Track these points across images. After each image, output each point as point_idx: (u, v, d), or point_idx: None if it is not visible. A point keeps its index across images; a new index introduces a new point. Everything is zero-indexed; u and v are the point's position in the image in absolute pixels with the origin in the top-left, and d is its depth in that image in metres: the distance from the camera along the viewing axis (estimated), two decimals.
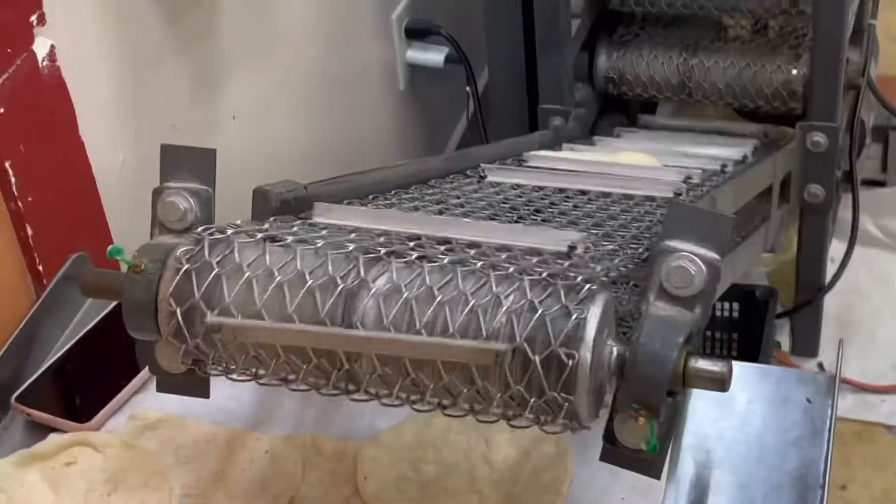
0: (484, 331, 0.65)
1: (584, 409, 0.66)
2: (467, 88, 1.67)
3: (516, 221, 0.87)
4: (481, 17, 1.55)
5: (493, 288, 0.67)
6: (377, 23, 1.62)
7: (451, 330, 0.65)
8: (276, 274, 0.67)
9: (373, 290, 0.66)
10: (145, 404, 0.92)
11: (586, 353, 0.64)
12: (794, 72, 1.50)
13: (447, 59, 1.69)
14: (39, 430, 0.90)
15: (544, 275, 0.67)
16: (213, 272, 0.68)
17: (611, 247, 0.81)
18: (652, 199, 0.97)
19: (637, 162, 1.20)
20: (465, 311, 0.65)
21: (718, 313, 1.54)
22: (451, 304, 0.66)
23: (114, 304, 0.99)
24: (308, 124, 1.45)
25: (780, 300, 1.69)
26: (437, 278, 0.67)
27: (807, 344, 1.68)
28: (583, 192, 0.99)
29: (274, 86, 1.34)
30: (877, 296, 1.76)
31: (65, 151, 0.97)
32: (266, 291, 0.67)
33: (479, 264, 0.68)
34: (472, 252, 0.72)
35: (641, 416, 0.66)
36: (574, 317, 0.64)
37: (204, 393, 0.78)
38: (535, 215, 0.89)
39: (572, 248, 0.75)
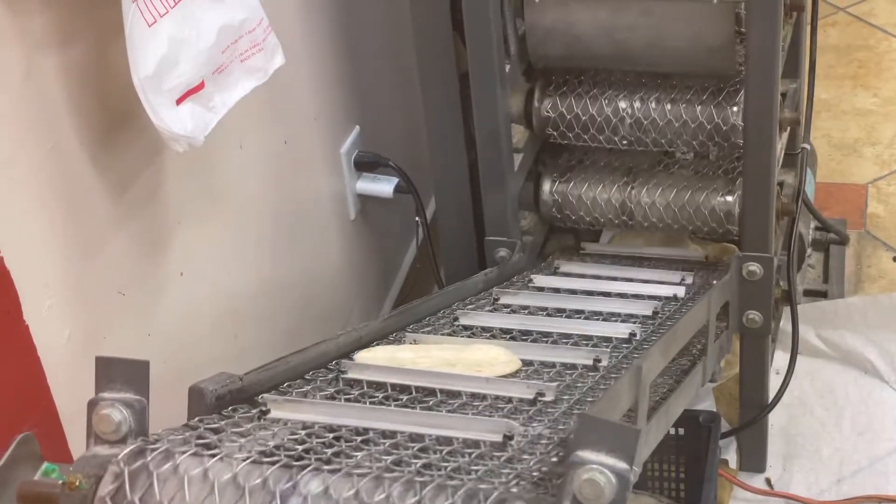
0: None
1: None
2: (417, 219, 1.71)
3: None
4: (428, 149, 1.60)
5: None
6: (326, 157, 1.66)
7: None
8: None
9: None
10: None
11: None
12: (730, 200, 1.55)
13: (396, 189, 1.73)
14: None
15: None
16: None
17: None
18: (476, 444, 0.84)
19: (488, 361, 1.06)
20: None
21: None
22: None
23: None
24: (259, 265, 1.48)
25: (727, 415, 1.73)
26: None
27: (754, 460, 1.71)
28: (389, 435, 0.86)
29: (222, 237, 1.38)
30: (821, 408, 1.80)
31: (8, 338, 1.00)
32: None
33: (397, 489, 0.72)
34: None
35: None
36: None
37: None
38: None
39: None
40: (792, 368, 1.63)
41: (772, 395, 1.66)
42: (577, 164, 1.66)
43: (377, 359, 1.04)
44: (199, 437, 0.80)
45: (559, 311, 1.28)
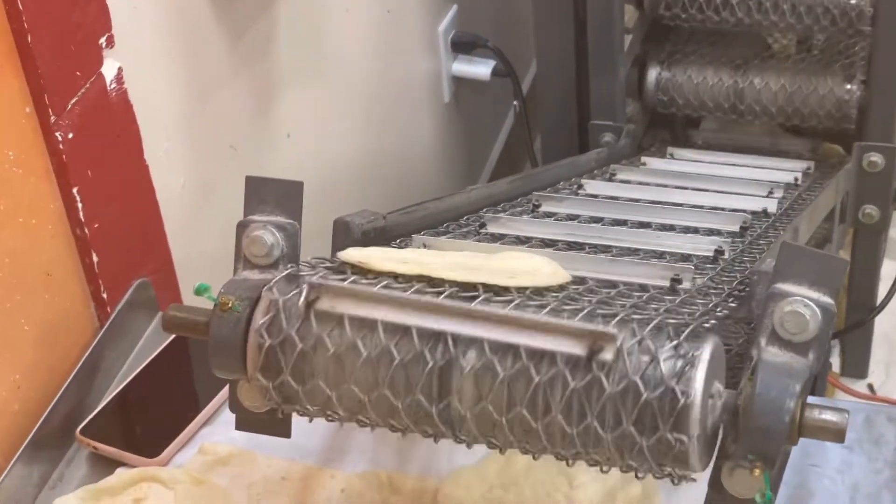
0: None
1: (696, 453, 0.64)
2: (515, 103, 1.65)
3: None
4: (528, 31, 1.53)
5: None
6: (424, 36, 1.60)
7: None
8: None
9: (466, 368, 0.65)
10: (213, 438, 0.90)
11: (698, 392, 0.62)
12: (849, 91, 1.48)
13: (494, 72, 1.67)
14: (105, 464, 0.88)
15: (653, 314, 0.66)
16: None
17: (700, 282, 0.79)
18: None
19: (526, 270, 0.74)
20: None
21: None
22: None
23: None
24: (356, 138, 1.43)
25: None
26: None
27: (857, 365, 1.66)
28: None
29: (325, 102, 1.32)
30: None
31: (130, 176, 0.95)
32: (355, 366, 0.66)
33: (587, 306, 0.66)
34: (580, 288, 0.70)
35: (756, 467, 0.64)
36: (688, 354, 0.63)
37: (285, 432, 0.76)
38: None
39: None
40: None
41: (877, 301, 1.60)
42: (681, 54, 1.60)
43: (371, 258, 0.73)
44: (354, 268, 0.73)
45: (618, 223, 0.98)
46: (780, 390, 0.63)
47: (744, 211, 1.06)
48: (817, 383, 1.40)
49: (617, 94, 1.50)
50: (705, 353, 0.64)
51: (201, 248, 1.06)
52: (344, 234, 0.80)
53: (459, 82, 1.69)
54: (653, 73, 1.57)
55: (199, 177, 1.06)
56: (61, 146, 0.86)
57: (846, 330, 1.61)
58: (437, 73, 1.64)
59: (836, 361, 1.66)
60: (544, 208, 1.02)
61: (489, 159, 1.89)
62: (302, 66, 1.24)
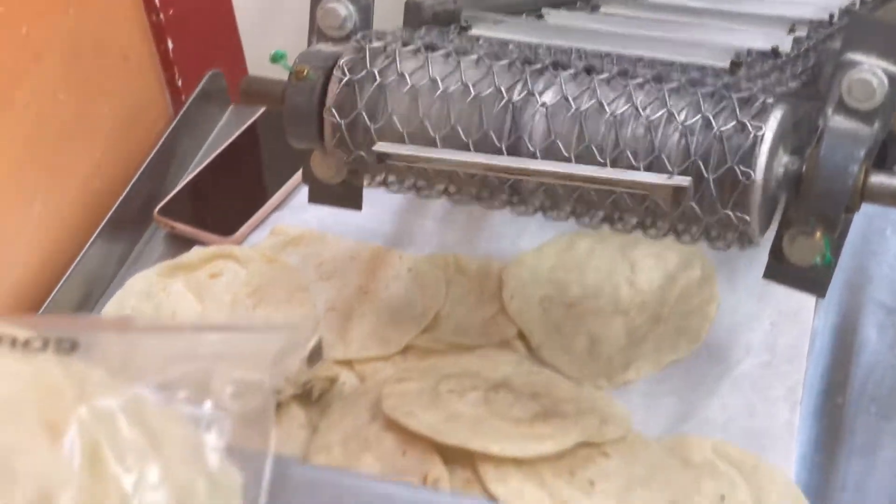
0: (656, 148, 0.64)
1: (757, 226, 0.65)
2: None
3: None
4: None
5: (667, 102, 0.65)
6: None
7: (621, 147, 0.64)
8: (440, 85, 0.66)
9: (539, 104, 0.65)
10: (284, 221, 0.93)
11: (761, 171, 0.63)
12: None
13: None
14: (181, 244, 0.91)
15: (718, 86, 0.66)
16: (376, 82, 0.67)
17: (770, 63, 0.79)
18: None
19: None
20: (638, 127, 0.64)
21: None
22: (622, 120, 0.65)
23: (249, 122, 0.99)
24: None
25: None
26: (606, 91, 0.66)
27: None
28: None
29: None
30: None
31: None
32: (430, 104, 0.66)
33: (648, 76, 0.66)
34: (638, 65, 0.70)
35: (817, 232, 0.65)
36: (751, 134, 0.64)
37: (356, 205, 0.78)
38: None
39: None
40: None
41: None
42: None
43: None
44: (425, 40, 0.74)
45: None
46: (845, 155, 0.64)
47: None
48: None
49: None
50: (769, 131, 0.63)
51: (274, 45, 1.07)
52: (415, 15, 0.81)
53: None
54: None
55: None
56: None
57: None
58: None
59: None
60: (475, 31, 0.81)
61: None
62: None
